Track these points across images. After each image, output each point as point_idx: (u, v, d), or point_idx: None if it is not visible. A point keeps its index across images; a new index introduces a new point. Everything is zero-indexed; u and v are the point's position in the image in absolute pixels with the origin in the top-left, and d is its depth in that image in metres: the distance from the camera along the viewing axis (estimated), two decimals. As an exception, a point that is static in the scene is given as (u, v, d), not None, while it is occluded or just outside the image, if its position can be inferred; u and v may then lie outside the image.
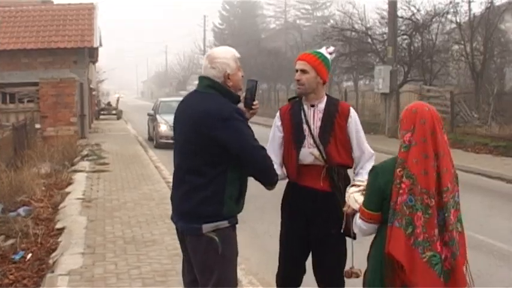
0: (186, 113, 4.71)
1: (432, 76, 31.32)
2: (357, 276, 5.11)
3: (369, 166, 5.15)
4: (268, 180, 4.67)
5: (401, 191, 3.97)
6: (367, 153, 5.53)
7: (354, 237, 5.14)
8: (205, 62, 4.75)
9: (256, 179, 4.65)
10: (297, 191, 5.46)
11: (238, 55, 4.77)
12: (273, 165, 4.70)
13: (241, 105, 4.80)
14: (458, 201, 4.12)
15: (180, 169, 4.73)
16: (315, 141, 5.38)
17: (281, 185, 5.33)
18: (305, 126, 5.42)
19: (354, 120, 5.51)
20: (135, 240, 9.44)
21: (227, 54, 4.73)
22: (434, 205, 3.94)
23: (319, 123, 5.41)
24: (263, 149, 4.59)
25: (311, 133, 5.40)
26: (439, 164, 3.99)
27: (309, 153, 5.36)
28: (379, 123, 31.25)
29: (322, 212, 5.36)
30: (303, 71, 5.40)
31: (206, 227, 4.54)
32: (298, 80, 5.42)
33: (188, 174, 4.62)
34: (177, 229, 4.87)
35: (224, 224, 4.58)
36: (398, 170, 4.03)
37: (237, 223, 4.72)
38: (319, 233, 5.39)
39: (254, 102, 4.89)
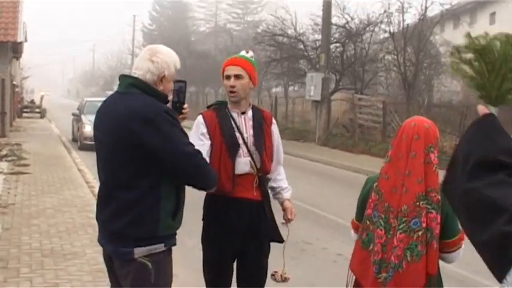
0: (106, 118, 4.08)
1: (364, 85, 31.22)
2: (286, 279, 5.25)
3: (282, 171, 5.41)
4: (208, 186, 4.21)
5: (368, 205, 3.89)
6: (281, 159, 5.45)
7: (282, 241, 5.19)
8: (145, 54, 4.16)
9: (193, 187, 4.12)
10: (230, 203, 4.98)
11: (178, 66, 4.20)
12: (209, 167, 4.17)
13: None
14: (416, 229, 3.70)
15: (107, 184, 4.08)
16: (249, 150, 5.04)
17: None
18: (238, 134, 5.05)
19: (275, 126, 5.39)
20: (53, 253, 8.64)
21: (172, 56, 4.15)
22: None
23: (251, 131, 5.12)
24: (197, 154, 3.99)
25: (244, 141, 5.05)
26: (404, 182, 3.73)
27: (245, 162, 5.01)
28: (309, 130, 31.02)
29: (255, 222, 5.05)
30: (238, 77, 5.01)
31: (138, 251, 3.93)
32: (232, 86, 5.00)
33: (116, 190, 3.98)
34: (104, 253, 4.23)
35: (160, 247, 3.97)
36: (375, 183, 3.89)
37: (174, 245, 4.12)
38: (250, 245, 5.06)
39: (184, 106, 4.35)
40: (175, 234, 4.14)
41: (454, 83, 30.80)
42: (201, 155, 4.03)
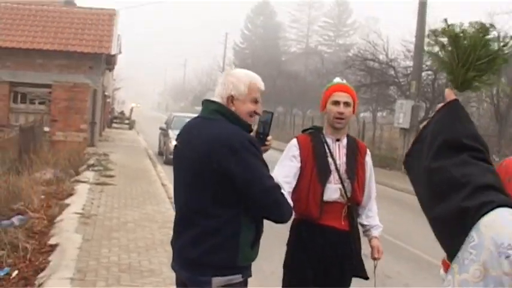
0: (189, 143, 3.99)
1: (454, 115, 30.57)
2: None
3: (374, 207, 5.26)
4: (282, 220, 3.98)
5: None
6: (374, 193, 5.30)
7: (367, 278, 5.07)
8: (220, 79, 4.14)
9: (266, 219, 3.97)
10: (316, 230, 4.88)
11: (259, 86, 4.07)
12: (287, 201, 3.94)
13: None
14: None
15: (186, 209, 3.97)
16: (340, 177, 4.93)
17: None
18: (330, 160, 4.94)
19: (369, 158, 5.28)
20: (131, 268, 8.62)
21: (242, 76, 4.04)
22: None
23: (344, 159, 5.02)
24: (277, 188, 3.84)
25: (337, 168, 4.95)
26: None
27: (335, 189, 4.89)
28: (395, 158, 30.50)
29: (340, 253, 4.92)
30: (347, 104, 4.95)
31: (217, 281, 3.79)
32: (341, 113, 4.93)
33: (196, 216, 3.87)
34: (177, 279, 4.12)
35: (237, 278, 3.84)
36: None
37: (250, 276, 3.98)
38: (332, 276, 4.91)
39: (268, 138, 4.21)
40: (251, 265, 4.02)
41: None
42: (280, 189, 3.88)
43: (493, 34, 2.37)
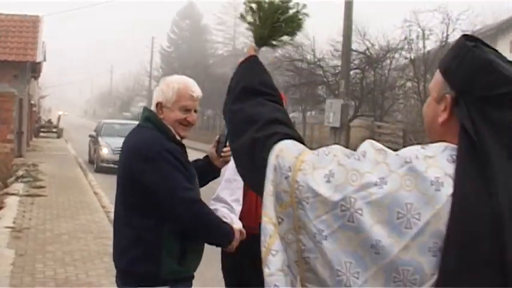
0: (122, 151, 4.01)
1: (383, 112, 30.96)
2: None
3: None
4: (217, 242, 4.03)
5: None
6: None
7: None
8: None
9: (203, 241, 3.99)
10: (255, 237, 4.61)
11: (191, 93, 3.96)
12: (217, 221, 3.90)
13: (212, 151, 4.24)
14: None
15: (117, 220, 4.02)
16: None
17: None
18: None
19: None
20: (68, 283, 8.37)
21: (171, 82, 3.97)
22: None
23: None
24: (197, 202, 3.79)
25: None
26: None
27: None
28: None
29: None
30: None
31: None
32: None
33: (123, 226, 3.89)
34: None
35: None
36: None
37: None
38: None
39: (224, 149, 4.17)
40: (188, 279, 3.95)
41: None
42: (203, 204, 3.82)
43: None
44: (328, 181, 2.02)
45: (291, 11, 2.77)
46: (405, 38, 29.99)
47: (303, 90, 35.01)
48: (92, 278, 8.61)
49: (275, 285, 2.11)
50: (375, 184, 1.96)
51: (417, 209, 1.91)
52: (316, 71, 33.86)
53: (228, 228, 3.95)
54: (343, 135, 28.97)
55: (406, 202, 1.92)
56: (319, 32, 38.01)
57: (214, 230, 3.85)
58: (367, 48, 31.34)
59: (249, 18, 2.78)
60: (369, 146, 2.07)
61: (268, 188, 2.16)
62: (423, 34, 29.62)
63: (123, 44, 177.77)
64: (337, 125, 28.49)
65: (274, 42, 2.85)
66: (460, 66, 2.05)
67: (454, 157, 1.98)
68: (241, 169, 2.46)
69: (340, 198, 1.98)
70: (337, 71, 31.91)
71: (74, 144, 39.53)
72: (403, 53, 30.84)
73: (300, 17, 2.80)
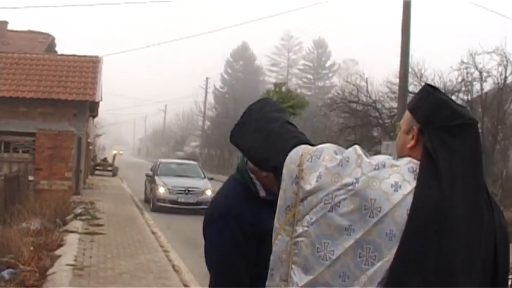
0: None
1: (440, 155, 30.60)
2: None
3: None
4: None
5: None
6: None
7: None
8: None
9: None
10: None
11: None
12: None
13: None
14: None
15: None
16: None
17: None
18: None
19: None
20: (132, 322, 8.36)
21: None
22: None
23: None
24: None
25: None
26: None
27: None
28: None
29: None
30: None
31: None
32: None
33: None
34: None
35: None
36: None
37: None
38: None
39: None
40: None
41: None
42: None
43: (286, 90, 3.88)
44: (317, 181, 2.66)
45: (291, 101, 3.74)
46: (462, 80, 29.72)
47: (358, 132, 34.80)
48: (155, 319, 8.57)
49: (272, 268, 2.82)
50: (351, 183, 2.58)
51: (379, 203, 2.53)
52: (371, 113, 33.67)
53: None
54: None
55: (371, 198, 2.54)
56: (375, 72, 37.96)
57: None
58: (424, 90, 31.10)
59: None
60: (352, 152, 2.69)
61: (280, 195, 2.82)
62: (480, 76, 29.33)
63: (177, 84, 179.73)
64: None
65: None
66: (424, 105, 2.70)
67: (415, 168, 2.61)
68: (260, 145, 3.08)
69: (325, 194, 2.62)
70: (392, 113, 31.63)
71: (129, 183, 39.82)
72: (460, 95, 30.49)
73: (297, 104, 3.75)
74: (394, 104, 31.84)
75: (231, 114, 71.17)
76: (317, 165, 2.71)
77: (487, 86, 30.56)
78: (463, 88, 29.91)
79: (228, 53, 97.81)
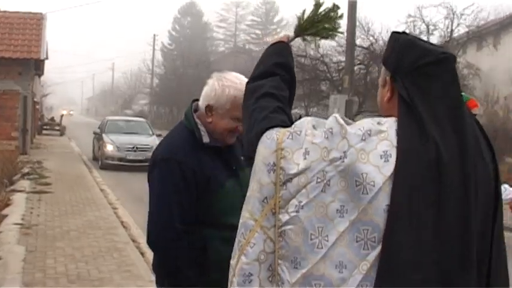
0: None
1: (387, 108, 30.91)
2: None
3: None
4: (159, 266, 3.71)
5: None
6: None
7: None
8: None
9: None
10: None
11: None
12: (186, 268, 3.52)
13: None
14: None
15: None
16: None
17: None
18: None
19: None
20: (80, 279, 8.33)
21: (229, 87, 3.61)
22: None
23: None
24: (166, 229, 3.49)
25: None
26: None
27: None
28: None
29: None
30: None
31: None
32: None
33: None
34: None
35: None
36: None
37: None
38: None
39: None
40: None
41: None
42: (173, 231, 3.48)
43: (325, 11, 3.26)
44: (305, 158, 2.38)
45: (330, 13, 3.25)
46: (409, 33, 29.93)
47: (306, 86, 34.85)
48: (104, 274, 8.56)
49: (249, 273, 2.46)
50: (339, 158, 2.32)
51: (371, 178, 2.27)
52: (319, 67, 33.74)
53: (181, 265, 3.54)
54: (347, 131, 28.89)
55: (362, 172, 2.28)
56: (323, 28, 37.86)
57: (163, 257, 3.58)
58: (371, 44, 31.25)
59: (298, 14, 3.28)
60: (334, 122, 2.43)
61: (252, 187, 2.52)
62: (427, 29, 29.56)
63: (125, 42, 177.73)
64: (342, 120, 28.39)
65: (308, 38, 3.32)
66: (392, 52, 2.54)
67: None
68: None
69: (316, 172, 2.34)
70: (340, 67, 31.76)
71: (78, 142, 39.44)
72: (407, 48, 30.70)
73: (336, 16, 3.26)
74: (342, 58, 31.98)
75: (179, 71, 70.82)
76: (300, 141, 2.44)
77: (434, 40, 30.79)
78: (409, 41, 30.11)
79: (176, 9, 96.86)
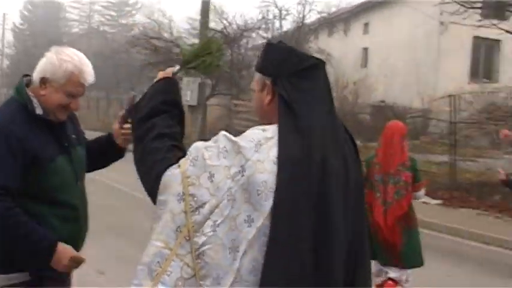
0: None
1: (240, 90, 31.18)
2: None
3: None
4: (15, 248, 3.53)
5: (372, 172, 7.33)
6: None
7: None
8: None
9: None
10: None
11: (84, 81, 3.66)
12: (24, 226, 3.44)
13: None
14: (399, 182, 7.15)
15: None
16: None
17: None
18: None
19: None
20: None
21: (67, 62, 3.58)
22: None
23: None
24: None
25: None
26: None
27: None
28: (185, 135, 30.54)
29: None
30: None
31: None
32: None
33: None
34: None
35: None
36: (374, 159, 7.49)
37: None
38: None
39: (125, 125, 3.72)
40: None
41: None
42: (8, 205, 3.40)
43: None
44: (212, 181, 2.53)
45: (212, 54, 3.43)
46: (262, 18, 30.29)
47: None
48: None
49: None
50: (239, 172, 2.51)
51: (270, 184, 2.48)
52: (173, 50, 33.60)
53: (43, 241, 3.47)
54: (200, 114, 28.95)
55: (262, 181, 2.48)
56: (177, 11, 37.85)
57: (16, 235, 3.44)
58: (225, 27, 31.39)
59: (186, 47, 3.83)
60: (225, 140, 2.61)
61: (166, 218, 2.59)
62: (280, 14, 29.98)
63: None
64: (194, 103, 28.41)
65: (191, 70, 3.55)
66: (272, 58, 2.77)
67: None
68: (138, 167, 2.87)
69: (225, 191, 2.50)
70: (194, 50, 31.71)
71: None
72: (260, 32, 31.13)
73: (218, 52, 3.50)
74: (196, 41, 31.95)
75: (31, 52, 68.77)
76: (202, 166, 2.59)
77: (287, 25, 31.38)
78: (263, 26, 30.47)
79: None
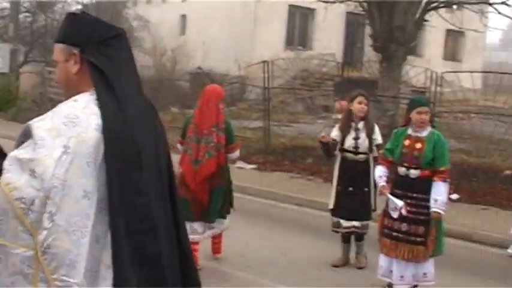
0: None
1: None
2: None
3: None
4: None
5: (188, 131, 7.75)
6: None
7: None
8: None
9: None
10: None
11: None
12: None
13: None
14: (211, 142, 7.53)
15: None
16: None
17: None
18: None
19: None
20: None
21: None
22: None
23: None
24: None
25: None
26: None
27: None
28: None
29: None
30: None
31: None
32: None
33: None
34: None
35: None
36: (192, 119, 7.90)
37: None
38: None
39: None
40: None
41: (146, 58, 30.86)
42: None
43: None
44: (35, 177, 2.47)
45: None
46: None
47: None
48: None
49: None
50: (64, 153, 2.50)
51: (97, 151, 2.56)
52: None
53: None
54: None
55: (88, 151, 2.53)
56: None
57: None
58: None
59: None
60: (39, 130, 2.56)
61: (13, 225, 2.50)
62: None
63: None
64: (6, 70, 27.34)
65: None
66: (78, 28, 2.79)
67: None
68: None
69: (50, 179, 2.46)
70: (5, 14, 30.45)
71: None
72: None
73: None
74: (7, 5, 30.67)
75: None
76: (21, 168, 2.54)
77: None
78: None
79: None
